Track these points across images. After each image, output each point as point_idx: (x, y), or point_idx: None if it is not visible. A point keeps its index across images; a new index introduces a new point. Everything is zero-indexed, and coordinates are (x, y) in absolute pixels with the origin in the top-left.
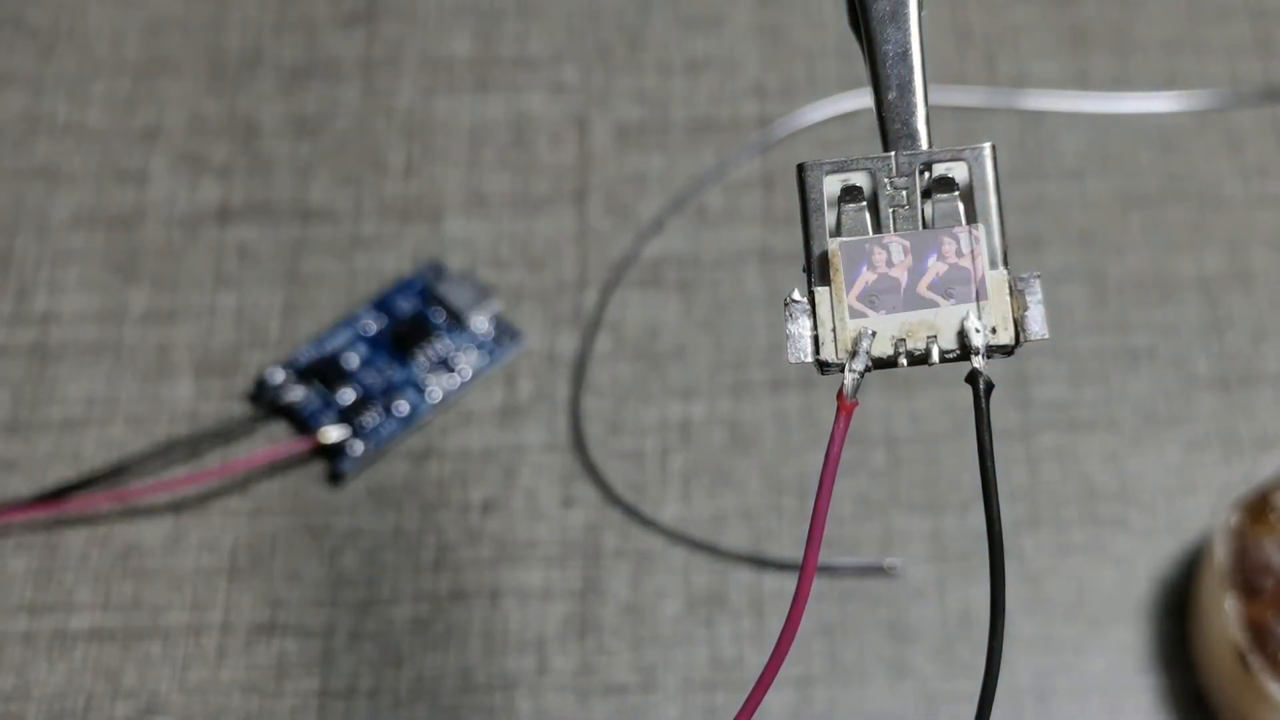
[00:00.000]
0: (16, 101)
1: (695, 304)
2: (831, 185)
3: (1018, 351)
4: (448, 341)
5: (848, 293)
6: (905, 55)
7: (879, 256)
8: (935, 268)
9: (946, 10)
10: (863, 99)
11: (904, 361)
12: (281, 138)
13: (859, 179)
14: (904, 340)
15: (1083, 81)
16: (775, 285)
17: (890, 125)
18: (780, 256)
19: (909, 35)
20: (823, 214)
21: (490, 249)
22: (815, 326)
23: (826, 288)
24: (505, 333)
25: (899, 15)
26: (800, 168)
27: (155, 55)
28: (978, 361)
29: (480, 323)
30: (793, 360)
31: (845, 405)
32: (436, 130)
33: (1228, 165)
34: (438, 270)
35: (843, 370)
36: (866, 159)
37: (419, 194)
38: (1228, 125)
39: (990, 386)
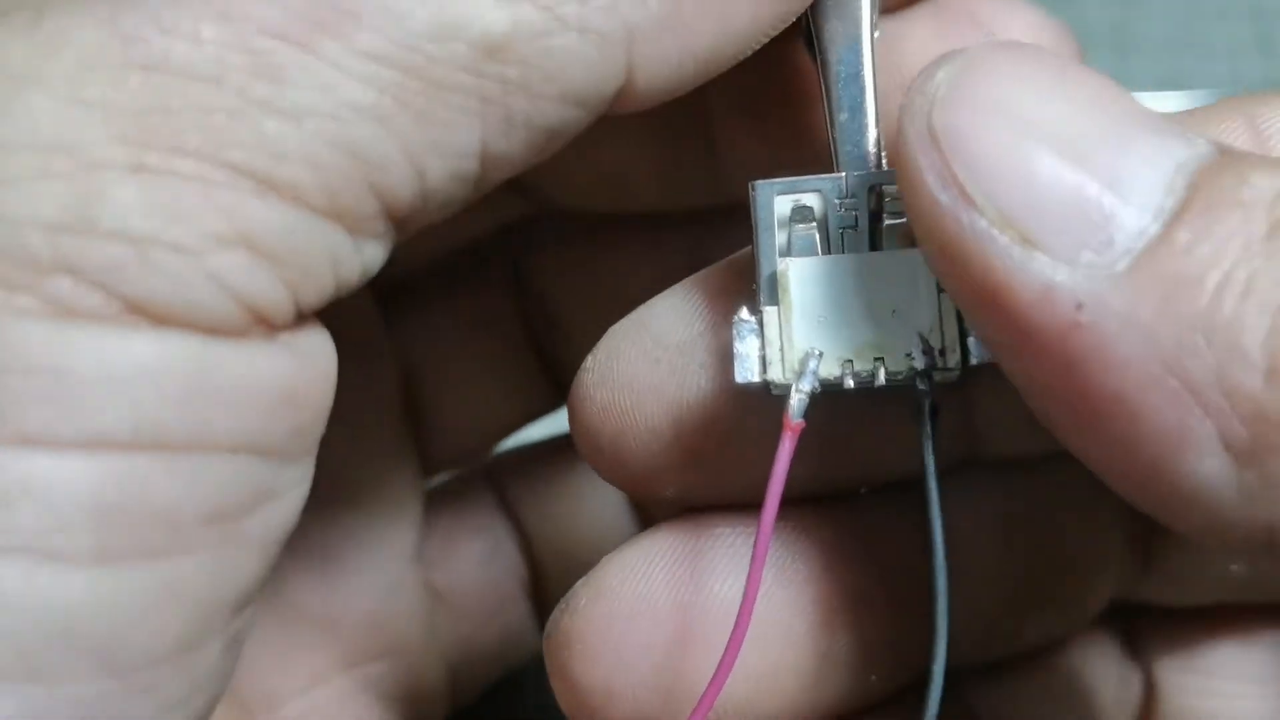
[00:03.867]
0: None
1: None
2: (782, 205)
3: (965, 376)
4: None
5: (796, 313)
6: (857, 77)
7: (828, 277)
8: (884, 290)
9: None
10: None
11: (850, 383)
12: None
13: (809, 199)
14: (851, 361)
15: None
16: None
17: (841, 147)
18: None
19: (861, 58)
20: (773, 233)
21: None
22: (763, 346)
23: (775, 307)
24: None
25: (851, 37)
26: (751, 186)
27: None
28: (922, 384)
29: None
30: (739, 380)
31: (791, 426)
32: None
33: None
34: None
35: (789, 391)
36: (818, 179)
37: None
38: None
39: (935, 410)
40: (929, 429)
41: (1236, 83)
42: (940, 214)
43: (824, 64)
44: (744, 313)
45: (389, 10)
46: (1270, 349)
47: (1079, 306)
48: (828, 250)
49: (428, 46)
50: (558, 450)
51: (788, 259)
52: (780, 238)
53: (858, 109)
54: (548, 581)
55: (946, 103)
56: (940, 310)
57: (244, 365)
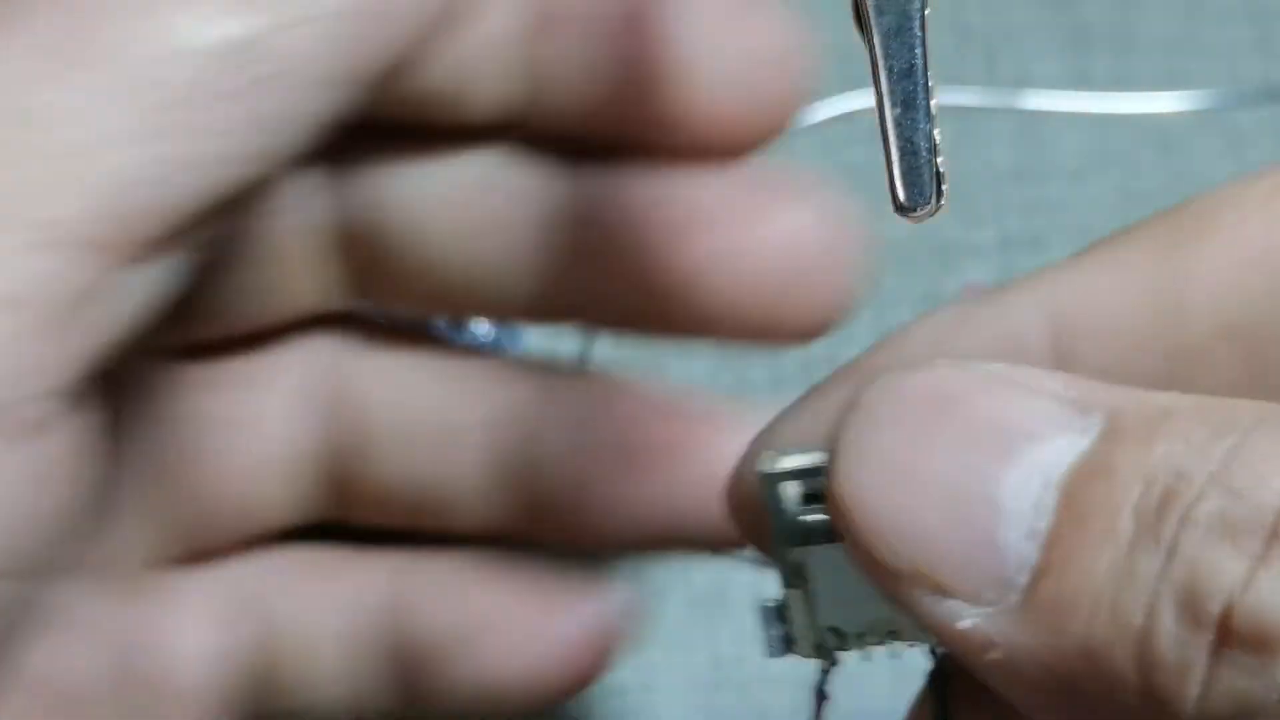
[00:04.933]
0: None
1: None
2: (792, 489)
3: None
4: None
5: (816, 598)
6: (911, 70)
7: (846, 560)
8: None
9: (946, 10)
10: (866, 99)
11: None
12: None
13: (820, 481)
14: (864, 636)
15: (1083, 81)
16: None
17: (894, 139)
18: None
19: (914, 49)
20: (788, 519)
21: None
22: (787, 627)
23: (799, 591)
24: (505, 333)
25: (904, 29)
26: (762, 479)
27: None
28: (932, 654)
29: (480, 323)
30: (768, 657)
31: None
32: None
33: (1228, 165)
34: None
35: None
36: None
37: None
38: (1228, 125)
39: (944, 677)
40: (939, 693)
41: (1236, 83)
42: (870, 576)
43: (873, 56)
44: (770, 599)
45: (124, 41)
46: (1142, 670)
47: (990, 645)
48: None
49: (164, 68)
50: None
51: (807, 550)
52: (795, 518)
53: (911, 104)
54: None
55: (845, 472)
56: None
57: None
